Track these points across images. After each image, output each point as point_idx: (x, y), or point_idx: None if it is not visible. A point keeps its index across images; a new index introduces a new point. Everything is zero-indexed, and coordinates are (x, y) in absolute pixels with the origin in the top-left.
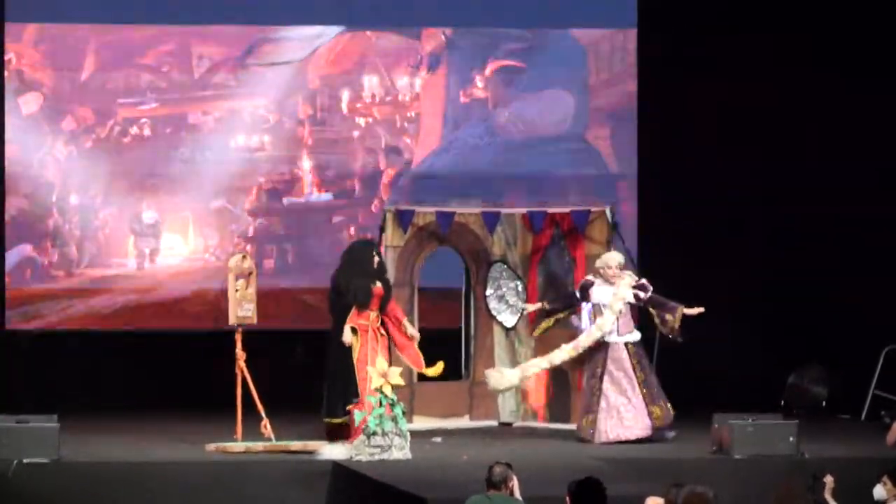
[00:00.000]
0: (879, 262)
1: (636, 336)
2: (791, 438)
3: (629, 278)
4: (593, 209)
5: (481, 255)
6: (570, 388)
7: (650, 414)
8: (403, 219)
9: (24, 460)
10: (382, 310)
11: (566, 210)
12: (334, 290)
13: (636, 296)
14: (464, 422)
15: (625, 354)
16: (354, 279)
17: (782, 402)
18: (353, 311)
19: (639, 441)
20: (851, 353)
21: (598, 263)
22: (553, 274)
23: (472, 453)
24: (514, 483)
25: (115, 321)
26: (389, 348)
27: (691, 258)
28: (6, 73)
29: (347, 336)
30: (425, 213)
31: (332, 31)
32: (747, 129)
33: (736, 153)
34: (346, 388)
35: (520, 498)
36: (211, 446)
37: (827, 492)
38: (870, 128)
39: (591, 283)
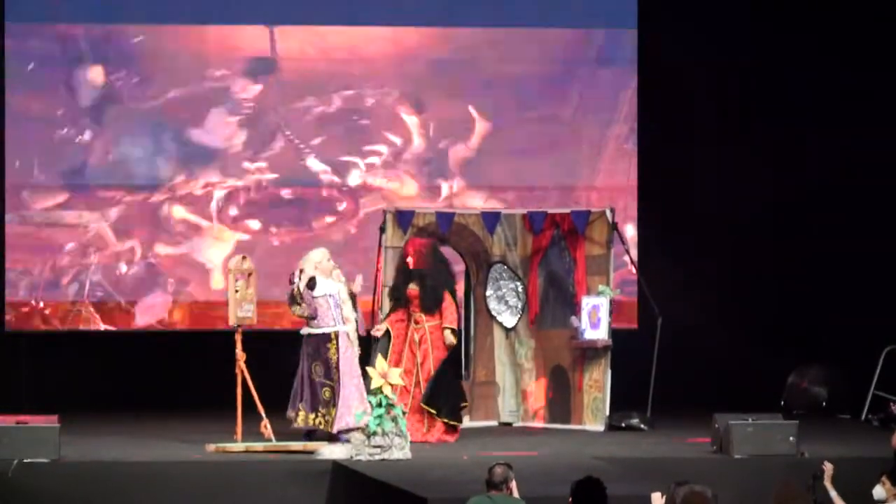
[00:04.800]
0: (879, 261)
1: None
2: (791, 438)
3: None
4: (593, 210)
5: (481, 255)
6: (570, 388)
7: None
8: (403, 219)
9: (24, 460)
10: (425, 311)
11: (566, 211)
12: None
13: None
14: (464, 422)
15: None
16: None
17: (782, 402)
18: (399, 310)
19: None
20: (851, 353)
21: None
22: (553, 274)
23: (471, 453)
24: (513, 483)
25: (115, 321)
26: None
27: (691, 258)
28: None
29: (379, 330)
30: (425, 213)
31: (341, 30)
32: (748, 129)
33: (736, 153)
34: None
35: (518, 498)
36: (211, 446)
37: (826, 479)
38: (869, 128)
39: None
